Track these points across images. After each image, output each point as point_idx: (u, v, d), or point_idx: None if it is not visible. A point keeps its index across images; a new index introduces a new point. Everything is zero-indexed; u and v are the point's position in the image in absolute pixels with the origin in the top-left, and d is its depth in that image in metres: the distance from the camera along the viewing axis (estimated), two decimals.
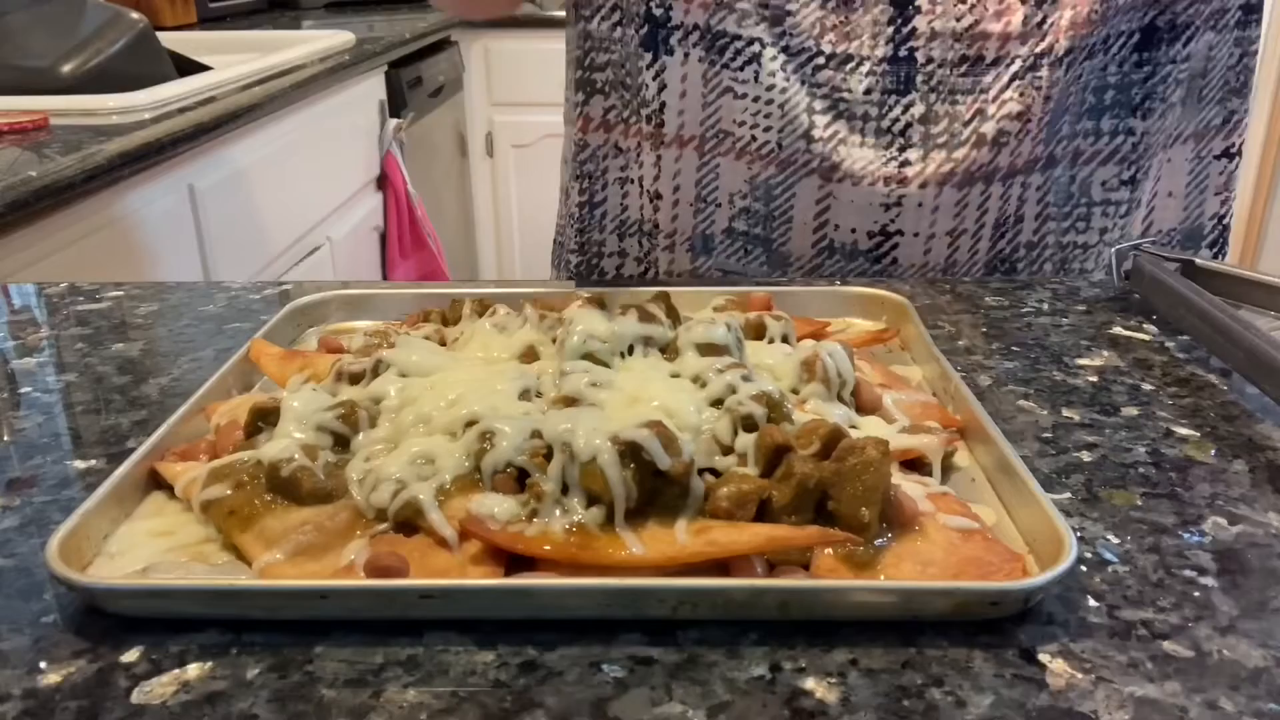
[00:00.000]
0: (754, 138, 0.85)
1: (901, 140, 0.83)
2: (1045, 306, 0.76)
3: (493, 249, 3.18)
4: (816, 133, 0.83)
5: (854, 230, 0.85)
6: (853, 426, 0.53)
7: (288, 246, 1.83)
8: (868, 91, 0.82)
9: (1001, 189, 0.84)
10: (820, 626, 0.41)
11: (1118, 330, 0.71)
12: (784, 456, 0.47)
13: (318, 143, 1.97)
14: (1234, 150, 0.91)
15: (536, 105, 3.02)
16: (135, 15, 1.65)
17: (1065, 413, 0.59)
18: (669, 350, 0.59)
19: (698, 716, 0.37)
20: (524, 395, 0.55)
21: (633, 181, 0.92)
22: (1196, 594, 0.43)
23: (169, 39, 1.82)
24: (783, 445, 0.47)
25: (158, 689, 0.39)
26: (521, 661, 0.40)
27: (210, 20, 2.56)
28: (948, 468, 0.53)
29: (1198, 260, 0.73)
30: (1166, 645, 0.40)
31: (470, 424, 0.51)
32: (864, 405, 0.57)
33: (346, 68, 2.03)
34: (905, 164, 0.83)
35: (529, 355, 0.60)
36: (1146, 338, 0.70)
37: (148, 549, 0.47)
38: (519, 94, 3.01)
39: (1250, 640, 0.41)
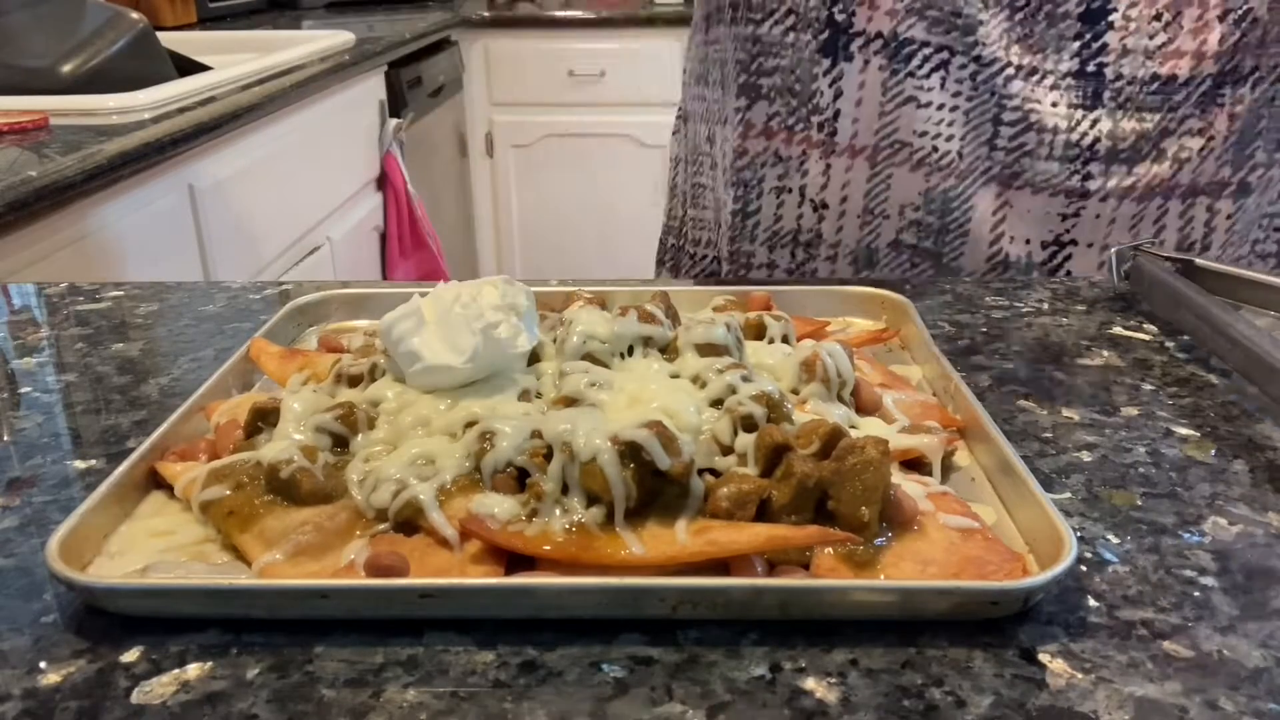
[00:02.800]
0: (935, 148, 0.84)
1: (1087, 154, 0.82)
2: (1045, 306, 0.76)
3: (492, 249, 3.19)
4: (1000, 141, 0.82)
5: (1029, 241, 0.85)
6: (852, 426, 0.53)
7: (288, 246, 1.83)
8: (1054, 105, 0.81)
9: (1180, 206, 0.83)
10: (820, 626, 0.41)
11: (1118, 330, 0.71)
12: (784, 456, 0.47)
13: (318, 143, 1.97)
14: None
15: (536, 105, 3.02)
16: (135, 15, 1.65)
17: (1065, 413, 0.59)
18: (669, 350, 0.59)
19: (698, 716, 0.37)
20: (523, 396, 0.55)
21: (790, 191, 0.90)
22: (1196, 594, 0.43)
23: (169, 39, 1.82)
24: (782, 445, 0.47)
25: (158, 689, 0.39)
26: (521, 661, 0.40)
27: (210, 20, 2.56)
28: (948, 467, 0.53)
29: (1198, 260, 0.73)
30: (1166, 645, 0.41)
31: (470, 424, 0.51)
32: (864, 405, 0.57)
33: (346, 68, 2.03)
34: (1088, 177, 0.82)
35: (529, 355, 0.60)
36: (1146, 338, 0.70)
37: (148, 549, 0.47)
38: (519, 94, 3.02)
39: (1250, 640, 0.41)
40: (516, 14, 3.08)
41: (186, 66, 1.77)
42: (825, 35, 0.84)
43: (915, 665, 0.40)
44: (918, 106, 0.83)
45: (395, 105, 2.37)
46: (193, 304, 0.79)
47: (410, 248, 2.39)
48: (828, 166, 0.88)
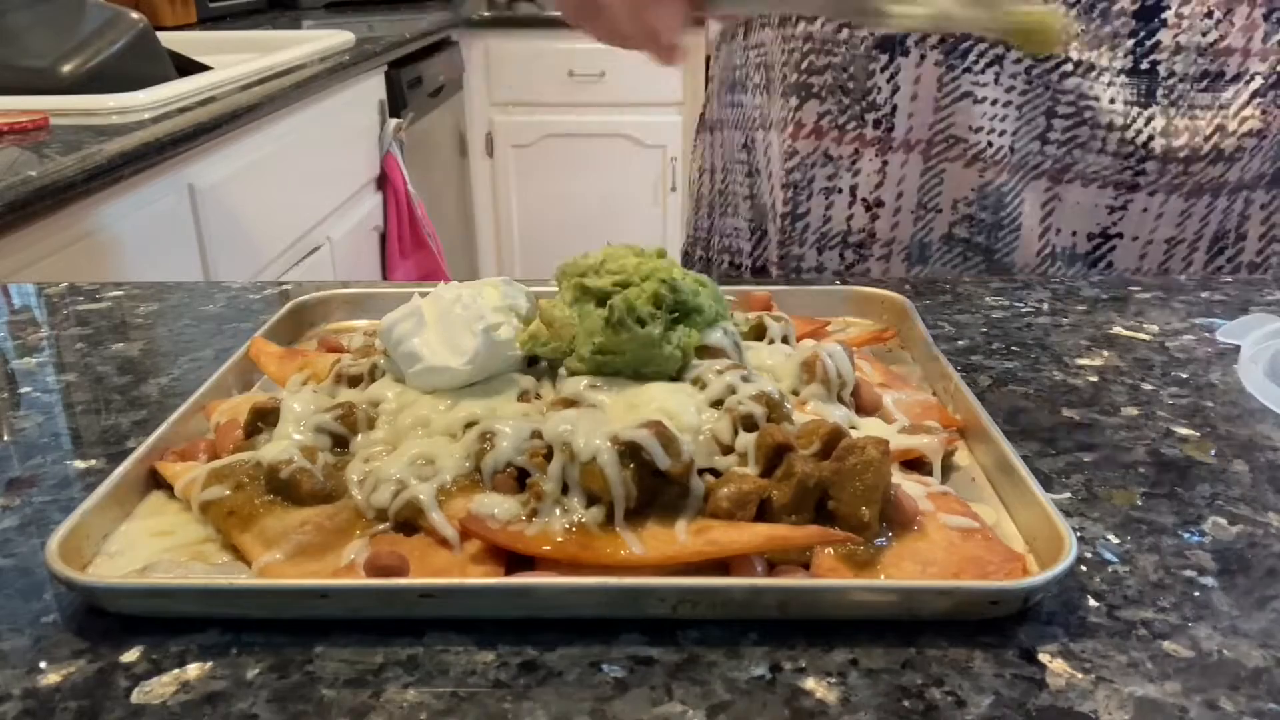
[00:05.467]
0: (990, 143, 0.84)
1: (1142, 152, 0.82)
2: (1045, 306, 0.76)
3: (493, 249, 3.18)
4: (1053, 135, 0.83)
5: (1074, 233, 0.85)
6: (852, 427, 0.53)
7: (288, 246, 1.83)
8: (1111, 101, 0.81)
9: (1226, 202, 0.84)
10: (820, 626, 0.41)
11: (1118, 330, 0.71)
12: (784, 456, 0.47)
13: (318, 143, 1.97)
14: None
15: (536, 105, 3.02)
16: (135, 15, 1.65)
17: (1065, 413, 0.59)
18: None
19: (698, 716, 0.37)
20: (523, 396, 0.55)
21: (840, 191, 0.90)
22: (1196, 594, 0.43)
23: (169, 39, 1.82)
24: (783, 445, 0.47)
25: (158, 689, 0.39)
26: (521, 661, 0.40)
27: (210, 20, 2.56)
28: (948, 467, 0.53)
29: None
30: (1166, 645, 0.41)
31: (470, 425, 0.51)
32: (864, 405, 0.57)
33: (346, 68, 2.03)
34: (1141, 173, 0.82)
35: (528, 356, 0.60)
36: (1146, 338, 0.70)
37: (147, 548, 0.47)
38: (519, 94, 3.02)
39: (1250, 640, 0.41)
40: (516, 14, 3.08)
41: (186, 66, 1.77)
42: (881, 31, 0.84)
43: (915, 665, 0.40)
44: (974, 102, 0.83)
45: (395, 105, 2.37)
46: (193, 304, 0.79)
47: (410, 248, 2.39)
48: (884, 163, 0.88)
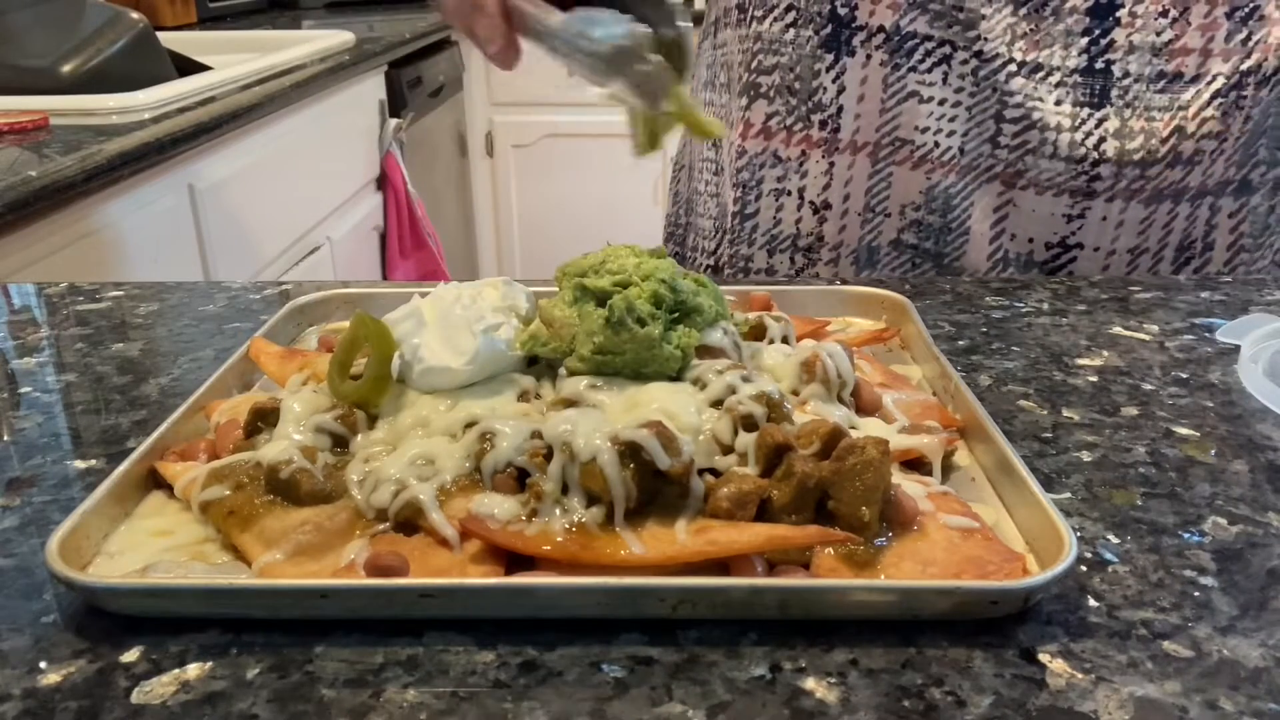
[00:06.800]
0: (936, 144, 0.83)
1: (1095, 154, 0.81)
2: (1045, 306, 0.76)
3: (493, 249, 3.18)
4: (1003, 140, 0.82)
5: (1031, 240, 0.84)
6: (852, 427, 0.53)
7: (288, 246, 1.83)
8: (1058, 103, 0.80)
9: (1189, 209, 0.82)
10: (820, 626, 0.41)
11: (1118, 330, 0.71)
12: (784, 456, 0.47)
13: (318, 143, 1.97)
14: None
15: (536, 105, 3.02)
16: (135, 15, 1.65)
17: (1065, 413, 0.59)
18: None
19: (698, 716, 0.37)
20: (523, 396, 0.55)
21: (789, 194, 0.89)
22: (1196, 594, 0.43)
23: (169, 39, 1.82)
24: (783, 445, 0.47)
25: (158, 689, 0.39)
26: (521, 661, 0.40)
27: (210, 20, 2.56)
28: (948, 467, 0.53)
29: None
30: (1166, 645, 0.41)
31: (470, 425, 0.51)
32: (864, 405, 0.57)
33: (346, 68, 2.03)
34: (1096, 179, 0.81)
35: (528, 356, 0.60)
36: (1146, 338, 0.70)
37: (147, 548, 0.47)
38: (519, 94, 3.02)
39: (1250, 640, 0.41)
40: None
41: (186, 66, 1.77)
42: (827, 30, 0.84)
43: (915, 665, 0.40)
44: (920, 102, 0.83)
45: (395, 105, 2.37)
46: (193, 304, 0.79)
47: (410, 248, 2.39)
48: (830, 165, 0.87)
